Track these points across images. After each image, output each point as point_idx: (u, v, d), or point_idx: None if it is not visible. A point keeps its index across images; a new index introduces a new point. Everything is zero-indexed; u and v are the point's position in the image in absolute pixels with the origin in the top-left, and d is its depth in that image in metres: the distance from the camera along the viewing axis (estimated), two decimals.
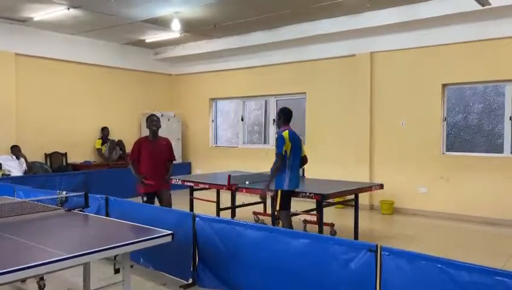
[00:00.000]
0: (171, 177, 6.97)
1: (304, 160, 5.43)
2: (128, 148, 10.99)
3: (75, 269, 3.02)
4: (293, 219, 6.42)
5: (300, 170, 5.76)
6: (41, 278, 3.76)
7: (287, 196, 5.18)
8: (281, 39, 9.09)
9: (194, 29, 9.10)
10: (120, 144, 10.55)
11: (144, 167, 5.70)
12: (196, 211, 4.79)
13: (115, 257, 3.30)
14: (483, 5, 5.92)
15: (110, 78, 10.84)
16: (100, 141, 10.47)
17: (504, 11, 6.72)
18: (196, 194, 7.13)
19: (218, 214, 6.73)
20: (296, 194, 5.31)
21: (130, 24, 8.74)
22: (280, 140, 5.08)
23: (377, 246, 2.96)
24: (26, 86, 9.26)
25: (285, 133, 5.11)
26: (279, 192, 5.13)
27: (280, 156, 5.05)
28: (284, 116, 5.26)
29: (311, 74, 9.55)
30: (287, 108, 5.37)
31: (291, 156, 5.12)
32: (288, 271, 3.41)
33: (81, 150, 10.21)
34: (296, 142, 5.23)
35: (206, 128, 11.77)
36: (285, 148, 5.07)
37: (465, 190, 7.58)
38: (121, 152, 10.55)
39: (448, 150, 8.02)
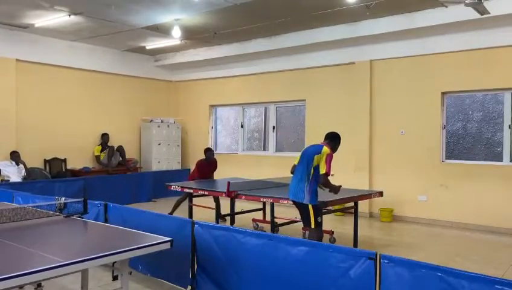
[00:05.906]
0: (169, 183, 7.01)
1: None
2: (129, 154, 11.09)
3: (74, 275, 3.01)
4: (292, 225, 6.44)
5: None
6: (39, 285, 3.73)
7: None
8: (281, 47, 9.12)
9: (194, 36, 9.13)
10: (121, 150, 10.52)
11: None
12: (195, 217, 4.79)
13: (114, 263, 3.28)
14: (482, 14, 5.94)
15: (111, 85, 10.86)
16: (99, 147, 10.43)
17: (503, 19, 6.75)
18: (195, 201, 7.12)
19: (217, 221, 6.72)
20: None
21: (130, 31, 8.78)
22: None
23: (376, 254, 2.95)
24: (27, 92, 9.27)
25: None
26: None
27: None
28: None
29: (311, 82, 9.57)
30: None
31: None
32: (287, 279, 3.40)
33: (81, 156, 10.20)
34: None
35: (206, 135, 11.78)
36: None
37: (465, 198, 7.57)
38: (120, 158, 10.53)
39: (447, 158, 8.02)
